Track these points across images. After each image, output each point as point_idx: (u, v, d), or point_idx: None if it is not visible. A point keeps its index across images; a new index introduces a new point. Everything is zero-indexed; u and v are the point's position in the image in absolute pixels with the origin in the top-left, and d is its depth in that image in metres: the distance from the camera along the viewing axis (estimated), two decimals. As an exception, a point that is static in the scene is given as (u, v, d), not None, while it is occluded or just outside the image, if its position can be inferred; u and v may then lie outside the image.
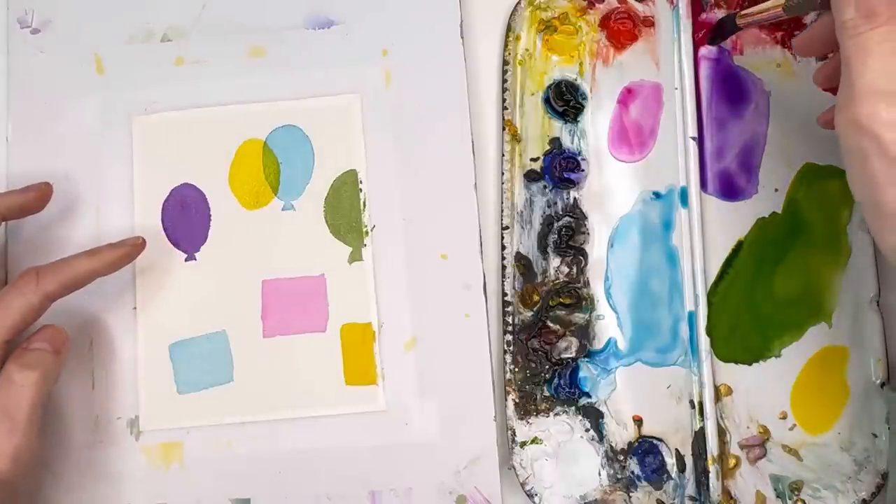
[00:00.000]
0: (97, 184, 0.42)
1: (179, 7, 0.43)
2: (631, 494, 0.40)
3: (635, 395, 0.41)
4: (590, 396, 0.41)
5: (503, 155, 0.42)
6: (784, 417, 0.41)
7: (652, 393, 0.41)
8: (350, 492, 0.40)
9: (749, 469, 0.41)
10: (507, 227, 0.42)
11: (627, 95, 0.43)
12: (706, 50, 0.43)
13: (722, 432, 0.41)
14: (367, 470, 0.40)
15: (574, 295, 0.42)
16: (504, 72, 0.43)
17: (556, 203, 0.42)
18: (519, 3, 0.43)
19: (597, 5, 0.43)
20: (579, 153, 0.42)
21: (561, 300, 0.42)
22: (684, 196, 0.42)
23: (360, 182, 0.42)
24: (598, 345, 0.41)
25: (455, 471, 0.40)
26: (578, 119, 0.43)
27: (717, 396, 0.41)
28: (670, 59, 0.42)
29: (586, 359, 0.41)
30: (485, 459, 0.40)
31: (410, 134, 0.42)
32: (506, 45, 0.43)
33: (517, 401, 0.41)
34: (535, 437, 0.40)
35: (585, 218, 0.42)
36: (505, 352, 0.41)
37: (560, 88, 0.43)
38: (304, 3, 0.43)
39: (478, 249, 0.41)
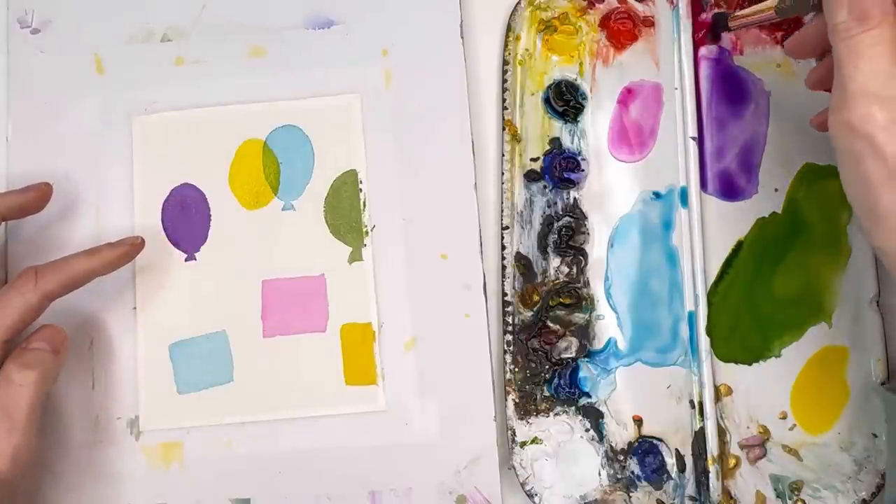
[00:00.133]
0: (97, 184, 0.42)
1: (179, 7, 0.43)
2: (631, 494, 0.40)
3: (635, 395, 0.41)
4: (590, 396, 0.41)
5: (503, 155, 0.42)
6: (784, 417, 0.41)
7: (652, 393, 0.41)
8: (350, 492, 0.40)
9: (749, 469, 0.41)
10: (507, 227, 0.42)
11: (627, 95, 0.43)
12: (706, 50, 0.43)
13: (722, 432, 0.41)
14: (367, 470, 0.40)
15: (574, 295, 0.42)
16: (504, 72, 0.43)
17: (556, 203, 0.42)
18: (519, 3, 0.43)
19: (597, 5, 0.43)
20: (579, 153, 0.42)
21: (561, 300, 0.42)
22: (684, 196, 0.42)
23: (360, 182, 0.42)
24: (598, 345, 0.41)
25: (455, 471, 0.40)
26: (578, 119, 0.43)
27: (717, 396, 0.41)
28: (670, 59, 0.42)
29: (586, 359, 0.41)
30: (485, 459, 0.40)
31: (410, 134, 0.42)
32: (506, 45, 0.43)
33: (517, 401, 0.41)
34: (535, 437, 0.40)
35: (585, 218, 0.42)
36: (505, 352, 0.41)
37: (560, 88, 0.43)
38: (304, 3, 0.43)
39: (478, 249, 0.41)
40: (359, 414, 0.40)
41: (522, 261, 0.42)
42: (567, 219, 0.42)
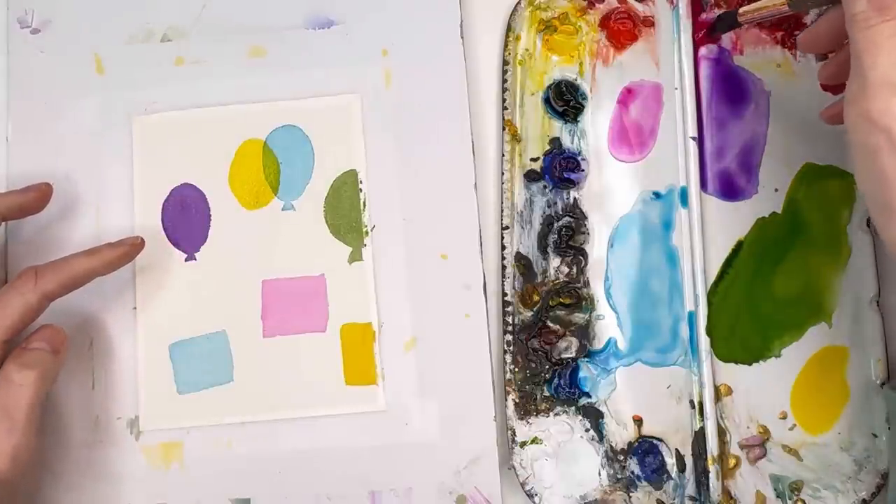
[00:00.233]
0: (97, 184, 0.42)
1: (179, 7, 0.43)
2: (631, 494, 0.40)
3: (635, 395, 0.41)
4: (590, 396, 0.41)
5: (503, 155, 0.42)
6: (784, 417, 0.41)
7: (652, 393, 0.41)
8: (350, 492, 0.40)
9: (749, 469, 0.41)
10: (507, 227, 0.42)
11: (627, 95, 0.43)
12: (706, 50, 0.43)
13: (722, 432, 0.41)
14: (367, 470, 0.40)
15: (574, 295, 0.42)
16: (504, 72, 0.43)
17: (556, 203, 0.42)
18: (519, 3, 0.43)
19: (597, 5, 0.43)
20: (579, 153, 0.42)
21: (561, 300, 0.42)
22: (684, 196, 0.42)
23: (360, 182, 0.42)
24: (598, 345, 0.41)
25: (455, 471, 0.40)
26: (578, 119, 0.43)
27: (717, 396, 0.41)
28: (670, 59, 0.42)
29: (586, 359, 0.41)
30: (485, 459, 0.40)
31: (410, 134, 0.42)
32: (506, 45, 0.43)
33: (517, 401, 0.41)
34: (535, 437, 0.40)
35: (585, 218, 0.42)
36: (505, 352, 0.41)
37: (560, 88, 0.43)
38: (304, 3, 0.43)
39: (478, 249, 0.41)
40: (359, 414, 0.40)
41: (522, 261, 0.42)
42: (567, 219, 0.42)
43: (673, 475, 0.40)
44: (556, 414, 0.41)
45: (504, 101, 0.42)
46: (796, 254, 0.42)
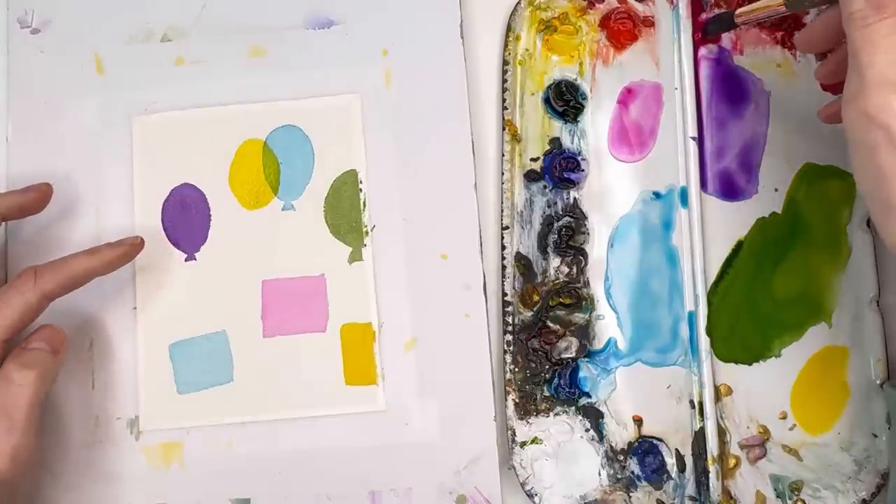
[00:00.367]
0: (97, 184, 0.42)
1: (179, 7, 0.43)
2: (631, 494, 0.40)
3: (635, 395, 0.41)
4: (590, 396, 0.41)
5: (503, 155, 0.42)
6: (784, 417, 0.41)
7: (652, 393, 0.41)
8: (350, 492, 0.40)
9: (749, 469, 0.41)
10: (507, 227, 0.42)
11: (627, 95, 0.43)
12: (706, 50, 0.43)
13: (722, 432, 0.41)
14: (367, 470, 0.40)
15: (574, 295, 0.42)
16: (504, 72, 0.43)
17: (556, 203, 0.42)
18: (519, 3, 0.43)
19: (597, 5, 0.43)
20: (579, 153, 0.42)
21: (561, 300, 0.41)
22: (684, 196, 0.42)
23: (360, 182, 0.42)
24: (598, 345, 0.41)
25: (455, 471, 0.40)
26: (578, 119, 0.43)
27: (717, 396, 0.41)
28: (670, 59, 0.42)
29: (586, 359, 0.41)
30: (485, 459, 0.40)
31: (410, 134, 0.42)
32: (506, 45, 0.43)
33: (517, 401, 0.41)
34: (535, 437, 0.40)
35: (585, 218, 0.42)
36: (505, 352, 0.41)
37: (560, 88, 0.43)
38: (304, 3, 0.43)
39: (478, 249, 0.41)
40: (359, 414, 0.40)
41: (522, 261, 0.42)
42: (567, 219, 0.42)
43: (673, 475, 0.40)
44: (556, 414, 0.41)
45: (504, 101, 0.42)
46: (796, 254, 0.42)
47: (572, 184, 0.42)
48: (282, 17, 0.43)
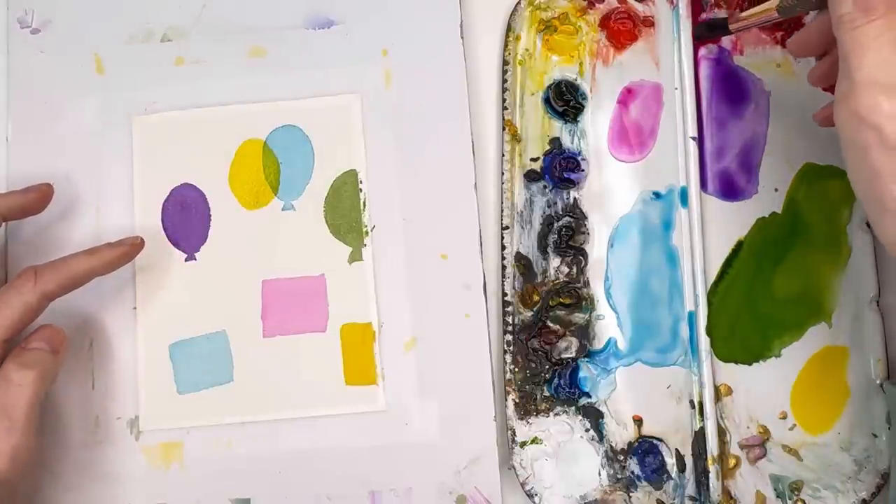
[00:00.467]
0: (97, 184, 0.42)
1: (179, 7, 0.43)
2: (631, 494, 0.40)
3: (635, 395, 0.41)
4: (590, 396, 0.41)
5: (503, 155, 0.42)
6: (784, 417, 0.41)
7: (652, 393, 0.41)
8: (350, 492, 0.40)
9: (749, 469, 0.41)
10: (507, 227, 0.42)
11: (627, 95, 0.43)
12: (706, 50, 0.43)
13: (722, 432, 0.41)
14: (367, 470, 0.40)
15: (574, 295, 0.42)
16: (504, 72, 0.43)
17: (556, 203, 0.42)
18: (519, 3, 0.43)
19: (597, 5, 0.43)
20: (579, 153, 0.42)
21: (561, 300, 0.42)
22: (684, 196, 0.42)
23: (360, 182, 0.42)
24: (598, 345, 0.41)
25: (455, 471, 0.40)
26: (578, 119, 0.43)
27: (717, 396, 0.41)
28: (670, 59, 0.42)
29: (586, 359, 0.41)
30: (485, 459, 0.40)
31: (410, 134, 0.42)
32: (506, 45, 0.43)
33: (517, 401, 0.41)
34: (535, 437, 0.40)
35: (585, 218, 0.42)
36: (505, 352, 0.41)
37: (560, 88, 0.43)
38: (304, 3, 0.43)
39: (478, 249, 0.41)
40: (359, 414, 0.40)
41: (522, 261, 0.42)
42: (567, 219, 0.42)
43: (673, 475, 0.40)
44: (556, 414, 0.41)
45: (504, 101, 0.42)
46: (796, 254, 0.42)
47: (572, 184, 0.42)
48: (282, 17, 0.43)
